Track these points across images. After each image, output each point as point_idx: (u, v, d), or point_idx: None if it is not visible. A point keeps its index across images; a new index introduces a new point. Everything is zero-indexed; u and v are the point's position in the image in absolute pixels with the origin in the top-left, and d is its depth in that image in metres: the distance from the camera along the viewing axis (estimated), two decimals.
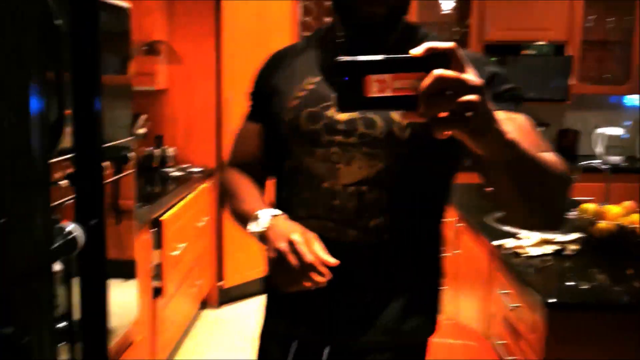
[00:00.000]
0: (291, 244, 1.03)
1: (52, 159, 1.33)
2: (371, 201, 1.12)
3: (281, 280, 1.06)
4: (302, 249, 1.01)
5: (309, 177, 1.16)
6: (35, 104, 0.55)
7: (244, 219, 1.18)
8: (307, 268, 1.01)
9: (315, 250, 1.03)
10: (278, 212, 1.13)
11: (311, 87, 1.18)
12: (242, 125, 1.37)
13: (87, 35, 0.74)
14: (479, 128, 0.75)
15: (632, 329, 1.65)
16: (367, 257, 1.15)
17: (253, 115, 1.34)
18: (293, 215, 1.15)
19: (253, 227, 1.12)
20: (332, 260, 1.03)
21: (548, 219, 1.01)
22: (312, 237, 1.05)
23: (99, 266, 0.64)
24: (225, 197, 1.31)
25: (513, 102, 1.08)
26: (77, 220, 0.60)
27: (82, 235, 0.60)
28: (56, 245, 0.56)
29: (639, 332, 1.63)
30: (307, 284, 1.03)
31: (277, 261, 1.04)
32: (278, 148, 1.22)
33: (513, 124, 1.00)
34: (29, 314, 0.50)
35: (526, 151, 0.86)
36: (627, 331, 1.64)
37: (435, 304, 1.24)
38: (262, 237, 1.10)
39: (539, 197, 0.94)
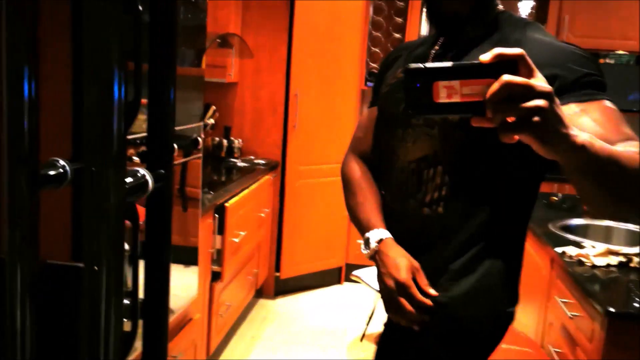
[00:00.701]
0: (401, 286, 1.18)
1: (128, 135, 1.42)
2: (428, 177, 1.20)
3: (393, 314, 1.22)
4: (414, 292, 1.17)
5: (391, 156, 1.28)
6: (117, 90, 0.59)
7: (357, 225, 1.34)
8: (416, 307, 1.17)
9: (422, 284, 1.19)
10: (385, 234, 1.25)
11: (400, 75, 1.28)
12: (365, 113, 1.49)
13: (165, 27, 0.79)
14: (546, 134, 0.76)
15: None
16: (423, 227, 1.22)
17: (371, 103, 1.45)
18: (381, 192, 1.33)
19: (363, 249, 1.29)
20: (434, 293, 1.19)
21: (629, 210, 1.00)
22: (417, 268, 1.20)
23: (165, 215, 0.69)
24: (344, 189, 1.44)
25: (589, 88, 1.07)
26: (148, 169, 0.66)
27: (151, 180, 0.65)
28: (130, 184, 0.62)
29: None
30: (415, 328, 1.20)
31: (389, 298, 1.21)
32: (376, 130, 1.38)
33: (588, 116, 1.03)
34: (100, 246, 0.55)
35: (600, 152, 0.84)
36: None
37: (490, 289, 1.22)
38: (372, 258, 1.27)
39: (617, 192, 0.92)
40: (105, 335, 0.56)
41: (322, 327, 3.56)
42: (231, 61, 3.65)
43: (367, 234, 1.27)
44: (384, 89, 1.34)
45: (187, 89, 2.18)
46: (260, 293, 3.90)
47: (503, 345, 2.19)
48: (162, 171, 0.67)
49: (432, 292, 1.18)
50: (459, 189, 1.18)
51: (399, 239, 1.25)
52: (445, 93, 0.75)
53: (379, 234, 1.26)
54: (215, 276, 2.71)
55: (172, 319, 2.09)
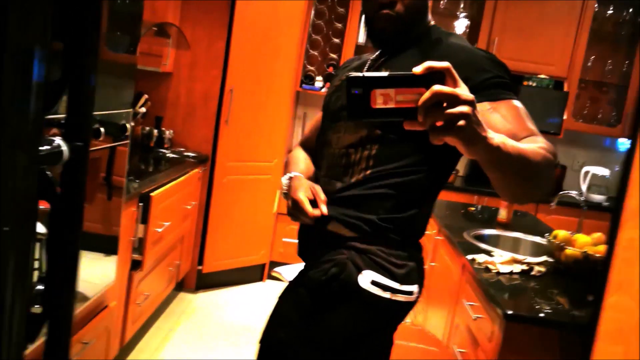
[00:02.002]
0: (295, 202, 1.40)
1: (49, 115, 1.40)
2: (354, 161, 1.38)
3: (294, 219, 1.45)
4: (304, 206, 1.38)
5: (326, 145, 1.45)
6: (38, 69, 0.61)
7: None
8: (305, 217, 1.40)
9: (318, 200, 1.40)
10: (295, 174, 1.49)
11: (343, 79, 1.46)
12: (317, 115, 1.68)
13: (89, 11, 0.80)
14: (469, 136, 0.88)
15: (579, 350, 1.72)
16: (347, 204, 1.39)
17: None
18: (319, 175, 1.52)
19: (281, 194, 1.52)
20: (325, 211, 1.39)
21: (535, 196, 1.18)
22: (316, 190, 1.41)
23: (79, 187, 0.71)
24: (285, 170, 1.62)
25: (498, 88, 1.23)
26: (64, 139, 0.68)
27: (67, 150, 0.67)
28: (44, 151, 0.63)
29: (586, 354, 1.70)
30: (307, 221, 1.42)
31: (290, 213, 1.45)
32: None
33: (498, 113, 1.19)
34: (14, 210, 0.57)
35: (511, 150, 1.00)
36: (574, 351, 1.71)
37: (404, 256, 1.39)
38: (286, 196, 1.47)
39: (524, 183, 1.09)
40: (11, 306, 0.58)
41: (241, 324, 3.57)
42: (167, 51, 3.62)
43: (281, 179, 1.51)
44: (329, 91, 1.56)
45: (117, 74, 2.16)
46: (181, 286, 3.87)
47: (411, 344, 2.30)
48: (79, 143, 0.69)
49: (324, 209, 1.39)
50: (382, 171, 1.36)
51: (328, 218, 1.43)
52: (382, 100, 0.85)
53: (291, 174, 1.50)
54: (135, 265, 2.69)
55: (85, 305, 2.06)
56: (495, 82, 1.24)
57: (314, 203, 1.40)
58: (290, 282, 1.56)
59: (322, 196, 1.41)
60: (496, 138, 0.95)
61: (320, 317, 1.41)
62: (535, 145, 1.13)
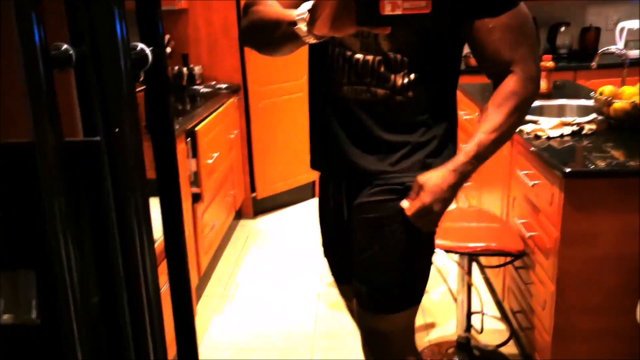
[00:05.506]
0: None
1: None
2: (396, 67, 1.32)
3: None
4: None
5: (342, 50, 1.36)
6: None
7: (270, 24, 1.27)
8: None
9: None
10: (307, 5, 1.12)
11: None
12: None
13: None
14: (452, 198, 1.33)
15: None
16: (395, 112, 1.36)
17: None
18: (328, 84, 1.43)
19: (302, 29, 1.14)
20: None
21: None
22: None
23: (163, 92, 0.76)
24: (246, 25, 1.38)
25: (495, 2, 1.25)
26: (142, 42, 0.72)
27: (150, 53, 0.72)
28: (133, 55, 0.68)
29: None
30: None
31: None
32: None
33: (495, 35, 1.25)
34: (118, 117, 0.62)
35: (487, 144, 1.31)
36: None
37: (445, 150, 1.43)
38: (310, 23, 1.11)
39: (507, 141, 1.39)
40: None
41: (304, 242, 3.71)
42: None
43: (294, 16, 1.15)
44: None
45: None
46: (240, 214, 4.01)
47: (472, 224, 2.36)
48: (154, 48, 0.73)
49: None
50: (421, 75, 1.33)
51: (359, 121, 1.38)
52: (390, 7, 0.90)
53: (303, 7, 1.13)
54: (196, 198, 2.80)
55: (158, 244, 2.17)
56: None
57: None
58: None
59: None
60: (469, 155, 1.30)
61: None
62: (508, 94, 1.28)
